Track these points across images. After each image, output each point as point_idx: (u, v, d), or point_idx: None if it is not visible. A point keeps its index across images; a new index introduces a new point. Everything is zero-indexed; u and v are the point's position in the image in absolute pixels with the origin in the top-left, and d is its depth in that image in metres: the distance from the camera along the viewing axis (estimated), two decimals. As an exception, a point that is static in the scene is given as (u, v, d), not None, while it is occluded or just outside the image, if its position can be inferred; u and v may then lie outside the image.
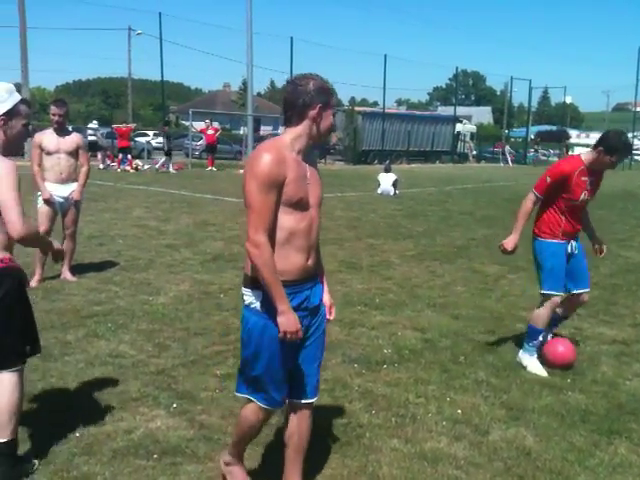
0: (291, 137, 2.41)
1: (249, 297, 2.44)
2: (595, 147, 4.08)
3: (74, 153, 6.08)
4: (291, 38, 31.13)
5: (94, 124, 23.49)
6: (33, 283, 5.84)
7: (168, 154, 21.53)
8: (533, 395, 3.84)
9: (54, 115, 5.91)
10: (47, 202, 5.98)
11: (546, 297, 4.23)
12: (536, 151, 44.91)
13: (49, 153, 5.94)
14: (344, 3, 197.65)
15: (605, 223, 11.48)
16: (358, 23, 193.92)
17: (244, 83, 39.93)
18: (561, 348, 4.34)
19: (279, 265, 2.33)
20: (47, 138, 5.96)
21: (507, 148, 42.63)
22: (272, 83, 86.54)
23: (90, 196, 12.58)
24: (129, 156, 21.88)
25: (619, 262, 8.01)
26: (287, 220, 2.34)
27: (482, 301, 6.02)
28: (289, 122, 2.42)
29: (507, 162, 40.07)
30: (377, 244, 8.88)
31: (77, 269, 6.51)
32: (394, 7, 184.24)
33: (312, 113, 2.37)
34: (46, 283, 5.95)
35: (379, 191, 16.02)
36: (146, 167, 22.40)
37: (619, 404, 3.76)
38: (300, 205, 2.37)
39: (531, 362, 4.26)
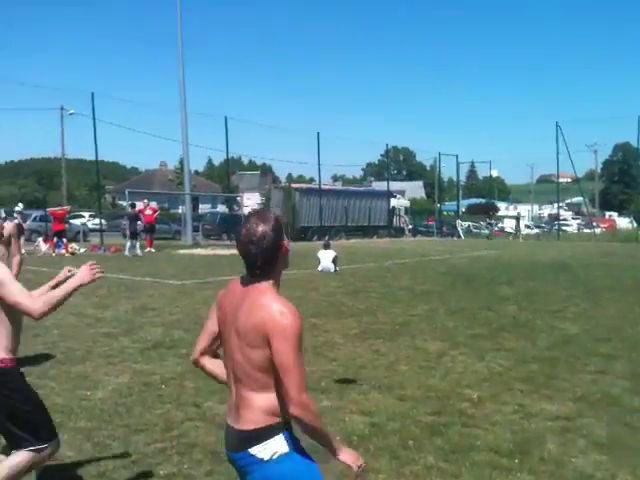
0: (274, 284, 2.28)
1: (272, 448, 2.19)
2: None
3: (6, 242, 5.90)
4: (225, 117, 31.86)
5: (19, 207, 23.13)
6: None
7: (134, 237, 21.41)
8: (483, 478, 3.85)
9: None
10: None
11: None
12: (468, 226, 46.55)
13: None
14: (277, 84, 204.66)
15: (538, 295, 11.90)
16: (291, 103, 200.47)
17: (181, 162, 40.22)
18: None
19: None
20: None
21: (459, 221, 43.94)
22: (209, 161, 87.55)
23: (24, 284, 12.19)
24: (64, 239, 21.43)
25: (555, 334, 8.26)
26: None
27: (427, 380, 6.07)
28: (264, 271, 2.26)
29: (460, 235, 41.16)
30: (320, 323, 8.89)
31: (9, 364, 6.22)
32: (325, 88, 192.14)
33: (281, 251, 2.30)
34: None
35: (319, 268, 16.14)
36: (82, 250, 21.94)
37: (566, 483, 3.81)
38: None
39: None
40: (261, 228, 2.25)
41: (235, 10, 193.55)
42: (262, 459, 2.18)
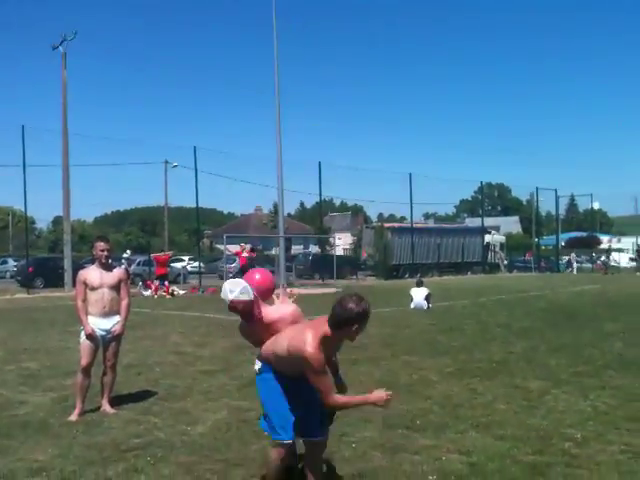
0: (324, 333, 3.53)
1: None
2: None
3: (116, 287, 6.26)
4: (319, 163, 32.56)
5: (127, 253, 24.45)
6: (73, 417, 5.88)
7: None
8: (590, 522, 3.64)
9: (102, 251, 6.16)
10: (89, 337, 6.12)
11: None
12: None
13: (93, 288, 6.13)
14: (370, 128, 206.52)
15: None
16: (384, 145, 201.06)
17: (275, 206, 41.37)
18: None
19: None
20: (91, 274, 6.17)
21: (573, 255, 42.40)
22: (302, 204, 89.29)
23: (128, 324, 12.82)
24: (166, 282, 22.37)
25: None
26: None
27: (527, 419, 5.84)
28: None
29: (572, 270, 39.70)
30: (414, 361, 8.77)
31: (116, 400, 6.55)
32: (419, 129, 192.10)
33: (348, 329, 3.50)
34: (86, 416, 5.98)
35: (412, 305, 15.98)
36: (182, 292, 22.77)
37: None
38: None
39: None
40: (351, 305, 3.44)
41: (327, 60, 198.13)
42: None
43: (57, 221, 61.14)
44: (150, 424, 5.74)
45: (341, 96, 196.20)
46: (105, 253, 6.18)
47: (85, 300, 6.15)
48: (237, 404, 6.46)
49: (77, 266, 20.85)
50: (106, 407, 6.20)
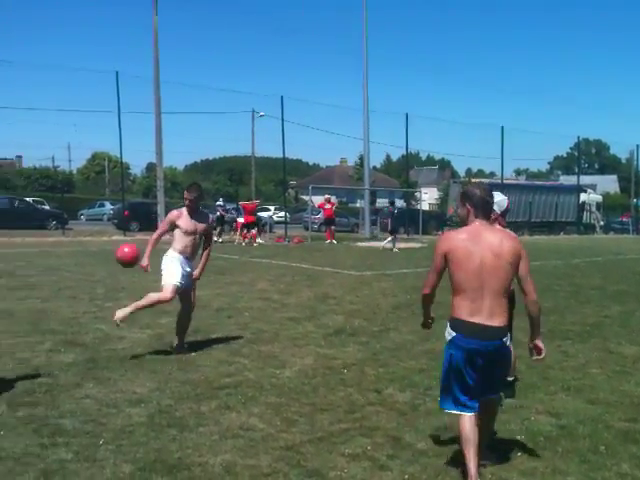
0: None
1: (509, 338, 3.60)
2: None
3: (203, 234, 6.45)
4: (406, 114, 31.90)
5: (220, 201, 25.01)
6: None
7: (393, 232, 21.11)
8: (689, 494, 3.50)
9: (186, 199, 6.30)
10: (144, 270, 6.32)
11: None
12: None
13: (187, 232, 6.29)
14: (459, 79, 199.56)
15: None
16: (473, 97, 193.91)
17: (361, 158, 41.03)
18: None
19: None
20: (184, 220, 6.30)
21: None
22: (387, 157, 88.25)
23: (217, 269, 13.26)
24: (253, 230, 22.85)
25: None
26: None
27: (621, 385, 5.63)
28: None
29: None
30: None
31: (207, 341, 6.83)
32: (510, 80, 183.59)
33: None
34: (180, 355, 6.25)
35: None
36: (261, 241, 23.09)
37: None
38: None
39: None
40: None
41: (418, 8, 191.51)
42: (507, 344, 3.57)
43: (150, 167, 63.37)
44: (240, 365, 5.95)
45: (431, 45, 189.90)
46: (187, 202, 6.28)
47: (160, 238, 6.43)
48: (323, 352, 6.58)
49: (169, 211, 21.55)
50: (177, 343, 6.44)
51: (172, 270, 6.23)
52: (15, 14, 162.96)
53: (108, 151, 69.68)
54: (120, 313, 6.20)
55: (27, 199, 32.59)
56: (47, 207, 33.53)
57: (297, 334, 7.42)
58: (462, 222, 3.65)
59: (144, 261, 6.28)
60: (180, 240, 6.32)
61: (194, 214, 6.34)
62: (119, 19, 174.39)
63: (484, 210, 3.57)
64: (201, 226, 6.35)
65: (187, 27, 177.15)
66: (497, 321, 3.45)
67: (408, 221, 30.62)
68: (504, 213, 5.08)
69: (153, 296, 6.27)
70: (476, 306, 3.43)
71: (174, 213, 6.44)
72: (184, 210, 6.37)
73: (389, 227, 21.36)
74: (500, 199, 4.98)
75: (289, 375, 5.65)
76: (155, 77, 26.93)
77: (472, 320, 3.43)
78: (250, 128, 50.43)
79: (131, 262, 6.50)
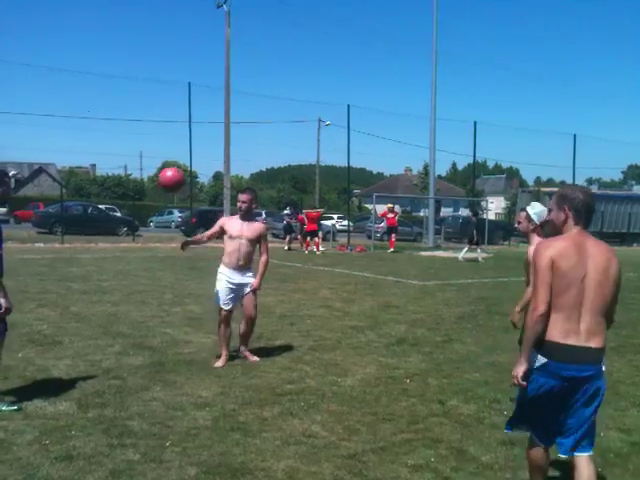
0: None
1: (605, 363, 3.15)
2: None
3: (255, 241, 6.24)
4: (474, 122, 31.43)
5: (287, 210, 25.31)
6: (219, 363, 6.15)
7: (475, 243, 20.61)
8: None
9: (243, 202, 6.20)
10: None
11: None
12: None
13: (231, 237, 6.19)
14: (528, 85, 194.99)
15: None
16: (544, 104, 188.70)
17: (425, 167, 40.74)
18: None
19: None
20: (231, 223, 6.25)
21: None
22: (453, 165, 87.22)
23: (281, 277, 13.40)
24: (316, 239, 22.94)
25: None
26: None
27: (700, 404, 5.35)
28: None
29: None
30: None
31: (270, 347, 6.91)
32: (582, 86, 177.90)
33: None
34: (243, 360, 6.33)
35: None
36: (323, 249, 23.13)
37: None
38: None
39: None
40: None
41: (486, 15, 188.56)
42: (603, 370, 3.13)
43: (217, 176, 64.74)
44: (302, 372, 5.99)
45: (501, 51, 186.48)
46: (239, 204, 6.23)
47: (208, 240, 6.43)
48: (385, 361, 6.54)
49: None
50: (246, 354, 6.41)
51: (218, 291, 6.28)
52: (94, 33, 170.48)
53: (177, 159, 71.75)
54: (220, 363, 6.16)
55: (100, 206, 33.85)
56: (119, 214, 34.76)
57: (359, 343, 7.40)
58: (553, 229, 3.22)
59: (184, 242, 6.47)
60: (227, 247, 6.23)
61: (245, 218, 6.23)
62: (191, 32, 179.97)
63: (587, 217, 3.14)
64: (249, 231, 6.17)
65: (255, 37, 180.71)
66: (596, 342, 3.04)
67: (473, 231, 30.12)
68: (543, 224, 4.93)
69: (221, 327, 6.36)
70: (572, 326, 3.01)
71: (222, 218, 6.51)
72: (234, 216, 6.39)
73: (473, 237, 20.80)
74: (540, 209, 4.92)
75: (351, 383, 5.64)
76: (226, 88, 27.53)
77: (568, 342, 3.00)
78: (315, 137, 51.01)
79: (174, 185, 6.57)
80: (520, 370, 3.07)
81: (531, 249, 4.73)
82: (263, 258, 6.30)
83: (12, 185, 5.91)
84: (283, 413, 4.78)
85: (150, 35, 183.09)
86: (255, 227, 6.27)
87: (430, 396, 5.36)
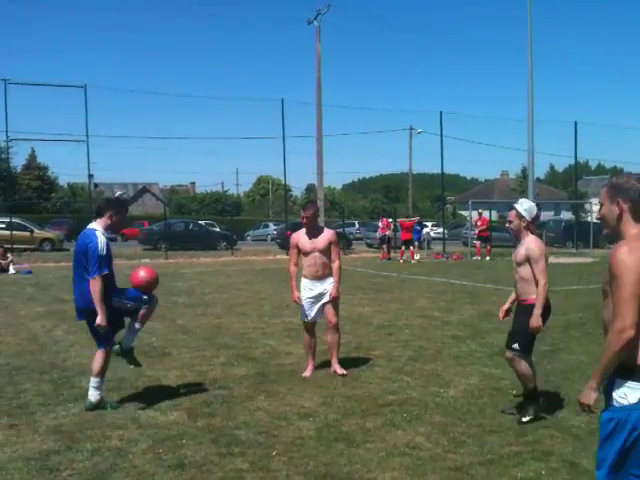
0: None
1: None
2: None
3: (326, 250, 6.28)
4: (575, 122, 30.22)
5: (381, 220, 25.38)
6: (307, 373, 6.23)
7: None
8: None
9: (303, 218, 6.30)
10: (296, 303, 6.42)
11: None
12: None
13: (306, 253, 6.29)
14: (630, 81, 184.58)
15: None
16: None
17: (523, 170, 39.46)
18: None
19: None
20: (302, 240, 6.31)
21: None
22: (552, 167, 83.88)
23: (377, 287, 13.40)
24: (412, 247, 22.73)
25: None
26: None
27: None
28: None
29: None
30: None
31: (369, 357, 6.91)
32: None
33: None
34: (344, 371, 6.36)
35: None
36: (417, 257, 22.86)
37: None
38: None
39: None
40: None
41: (583, 11, 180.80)
42: None
43: (309, 188, 65.71)
44: (403, 383, 5.94)
45: (601, 51, 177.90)
46: (304, 220, 6.27)
47: (297, 264, 6.41)
48: (489, 371, 6.37)
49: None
50: (335, 367, 6.35)
51: (302, 305, 6.36)
52: (186, 55, 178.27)
53: (271, 174, 73.51)
54: (307, 372, 6.29)
55: (200, 222, 35.17)
56: (217, 229, 35.95)
57: (460, 352, 7.25)
58: (607, 226, 2.60)
59: (294, 295, 6.39)
60: (304, 262, 6.34)
61: (311, 232, 6.30)
62: (284, 49, 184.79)
63: None
64: (319, 242, 6.23)
65: (344, 50, 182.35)
66: None
67: (577, 234, 28.85)
68: (534, 220, 4.96)
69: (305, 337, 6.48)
70: None
71: (293, 237, 6.50)
72: (302, 231, 6.40)
73: None
74: (529, 205, 4.95)
75: (454, 395, 5.54)
76: (317, 103, 27.99)
77: None
78: (407, 145, 50.74)
79: (146, 285, 5.92)
80: (592, 398, 2.56)
81: (531, 246, 4.97)
82: (335, 265, 6.35)
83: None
84: (386, 424, 4.75)
85: (244, 54, 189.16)
86: (324, 237, 6.31)
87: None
